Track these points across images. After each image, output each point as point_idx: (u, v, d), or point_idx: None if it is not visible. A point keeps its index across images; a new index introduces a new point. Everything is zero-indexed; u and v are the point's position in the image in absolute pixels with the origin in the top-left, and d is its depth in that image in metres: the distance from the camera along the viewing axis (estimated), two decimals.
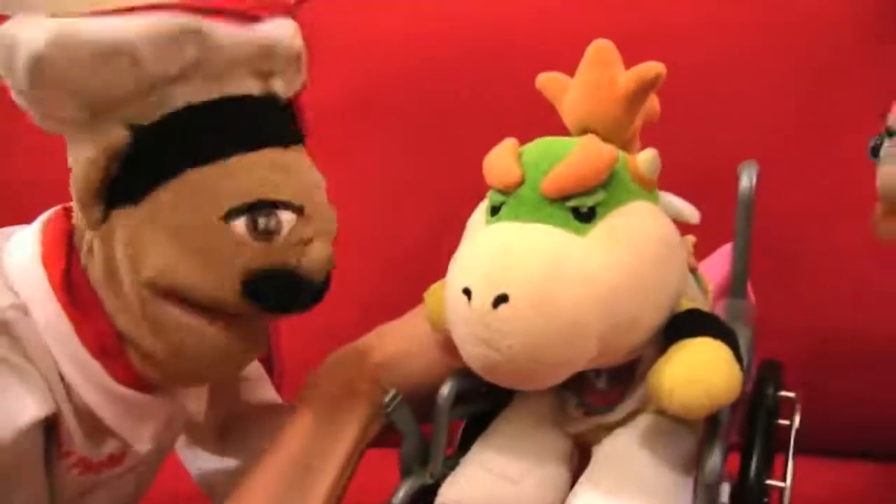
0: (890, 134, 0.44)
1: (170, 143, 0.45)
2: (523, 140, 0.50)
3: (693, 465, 0.46)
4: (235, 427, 0.63)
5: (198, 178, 0.45)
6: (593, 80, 0.47)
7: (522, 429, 0.50)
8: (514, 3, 0.88)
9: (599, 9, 0.84)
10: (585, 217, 0.42)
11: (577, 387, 0.49)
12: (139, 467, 0.56)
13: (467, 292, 0.41)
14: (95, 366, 0.48)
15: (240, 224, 0.45)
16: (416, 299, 0.57)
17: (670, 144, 0.51)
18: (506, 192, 0.44)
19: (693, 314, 0.44)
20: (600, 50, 0.48)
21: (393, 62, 0.87)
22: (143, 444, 0.51)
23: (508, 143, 0.47)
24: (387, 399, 0.50)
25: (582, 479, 0.47)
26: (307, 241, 0.48)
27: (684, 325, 0.43)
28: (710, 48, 0.82)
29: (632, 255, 0.42)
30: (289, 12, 0.51)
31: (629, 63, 0.49)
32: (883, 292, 0.77)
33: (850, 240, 0.76)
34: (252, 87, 0.48)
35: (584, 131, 0.48)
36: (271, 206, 0.46)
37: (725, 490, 0.45)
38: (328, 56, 0.90)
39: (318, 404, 0.55)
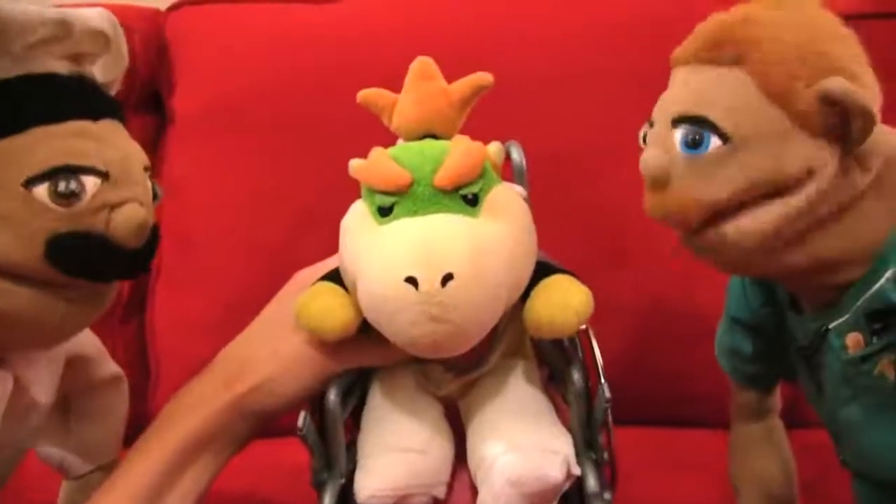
0: (651, 124, 0.49)
1: None
2: (365, 146, 0.54)
3: (542, 389, 0.55)
4: (79, 405, 0.63)
5: None
6: (426, 91, 0.53)
7: (402, 403, 0.54)
8: (367, 19, 0.92)
9: (440, 27, 0.90)
10: (472, 202, 0.48)
11: None
12: None
13: (412, 280, 0.45)
14: None
15: (41, 190, 0.45)
16: (275, 295, 0.59)
17: (508, 138, 0.59)
18: (397, 192, 0.48)
19: (539, 263, 0.51)
20: (425, 65, 0.54)
21: (256, 72, 0.91)
22: None
23: (380, 152, 0.50)
24: (300, 422, 0.51)
25: (473, 428, 0.53)
26: (114, 206, 0.47)
27: (537, 271, 0.51)
28: (540, 55, 0.87)
29: (514, 226, 0.50)
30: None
31: (467, 69, 0.54)
32: (705, 273, 0.81)
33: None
34: (59, 67, 0.49)
35: (423, 135, 0.53)
36: (72, 171, 0.46)
37: (606, 388, 0.51)
38: (195, 65, 0.92)
39: (173, 436, 0.52)
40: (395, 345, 0.49)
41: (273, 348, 0.54)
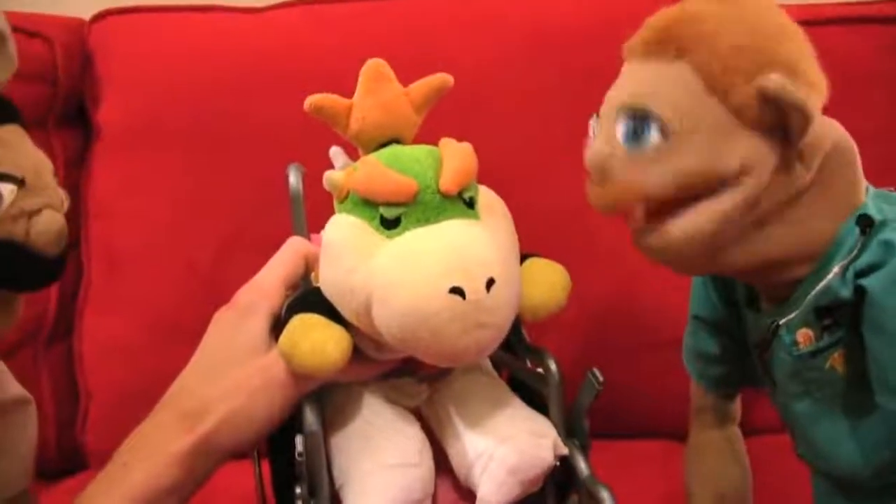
0: (598, 117, 0.50)
1: None
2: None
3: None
4: None
5: None
6: (389, 95, 0.52)
7: (383, 418, 0.52)
8: (292, 28, 0.90)
9: (363, 36, 0.88)
10: (470, 204, 0.48)
11: (411, 367, 0.53)
12: None
13: (458, 291, 0.44)
14: None
15: None
16: (206, 314, 0.53)
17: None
18: (404, 203, 0.46)
19: None
20: (379, 67, 0.52)
21: (183, 83, 0.88)
22: None
23: (376, 162, 0.48)
24: (299, 448, 0.49)
25: (452, 430, 0.52)
26: (33, 213, 0.46)
27: None
28: (479, 55, 0.86)
29: (507, 222, 0.50)
30: None
31: (401, 72, 0.53)
32: (652, 286, 0.83)
33: (617, 235, 0.80)
34: None
35: (388, 140, 0.52)
36: None
37: (599, 373, 0.50)
38: (121, 77, 0.90)
39: (131, 487, 0.47)
40: (371, 361, 0.50)
41: (234, 379, 0.50)
